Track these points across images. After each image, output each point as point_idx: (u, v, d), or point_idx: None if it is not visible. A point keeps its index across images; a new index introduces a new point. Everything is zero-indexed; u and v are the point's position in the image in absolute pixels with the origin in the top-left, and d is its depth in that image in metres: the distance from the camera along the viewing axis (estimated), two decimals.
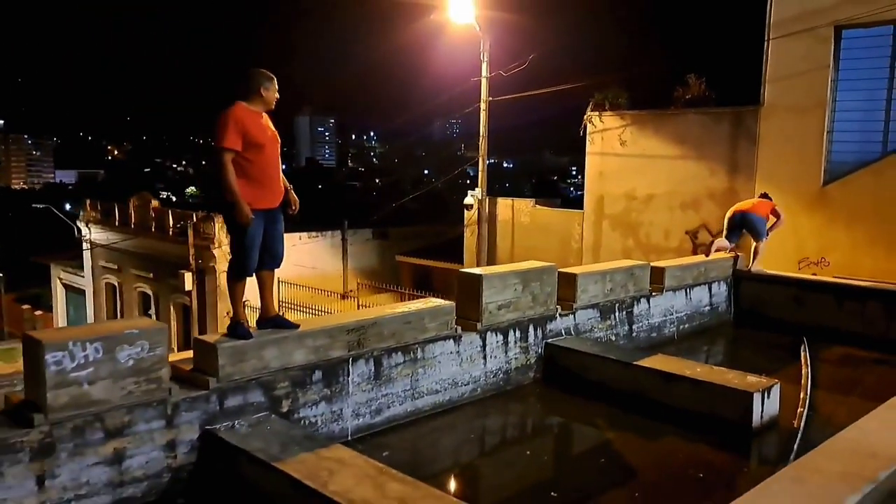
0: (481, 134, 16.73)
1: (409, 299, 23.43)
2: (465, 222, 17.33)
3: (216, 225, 22.64)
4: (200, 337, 4.99)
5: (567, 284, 7.29)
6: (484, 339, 6.44)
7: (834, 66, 11.49)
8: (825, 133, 11.57)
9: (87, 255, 28.89)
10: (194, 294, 23.79)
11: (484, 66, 16.44)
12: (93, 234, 28.41)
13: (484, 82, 16.38)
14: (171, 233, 24.53)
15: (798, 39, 11.60)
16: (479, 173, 17.00)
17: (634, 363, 6.39)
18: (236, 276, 5.16)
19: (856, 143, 11.50)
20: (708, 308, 9.20)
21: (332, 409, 5.39)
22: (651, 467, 5.27)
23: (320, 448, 4.46)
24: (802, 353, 7.83)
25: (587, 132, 14.56)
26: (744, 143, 12.43)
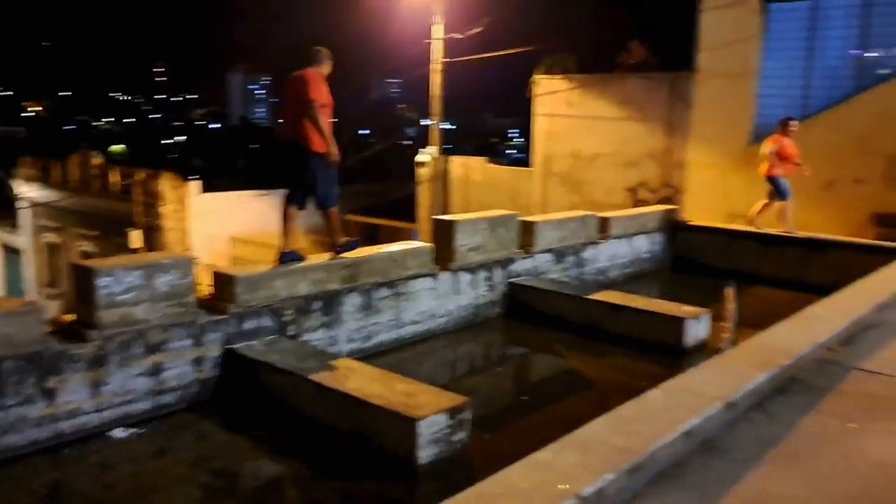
0: (435, 95, 17.36)
1: None
2: (418, 179, 18.03)
3: (162, 183, 22.73)
4: (219, 269, 5.67)
5: (527, 231, 8.17)
6: (457, 278, 7.29)
7: (761, 36, 12.59)
8: (752, 97, 12.71)
9: (24, 213, 28.34)
10: (142, 252, 23.86)
11: (439, 27, 16.98)
12: (30, 192, 27.86)
13: (439, 44, 16.95)
14: (115, 191, 24.42)
15: (729, 10, 12.64)
16: (432, 132, 17.67)
17: (587, 297, 7.36)
18: (334, 204, 6.35)
19: (779, 108, 12.64)
20: (648, 255, 10.27)
21: (329, 335, 6.16)
22: (602, 380, 6.26)
23: (330, 360, 5.25)
24: (729, 293, 8.97)
25: (535, 95, 15.39)
26: (680, 105, 13.49)
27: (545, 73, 15.22)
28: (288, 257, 6.03)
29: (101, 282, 4.70)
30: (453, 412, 4.42)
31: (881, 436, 3.68)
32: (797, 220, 11.71)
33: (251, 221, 27.30)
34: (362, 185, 31.46)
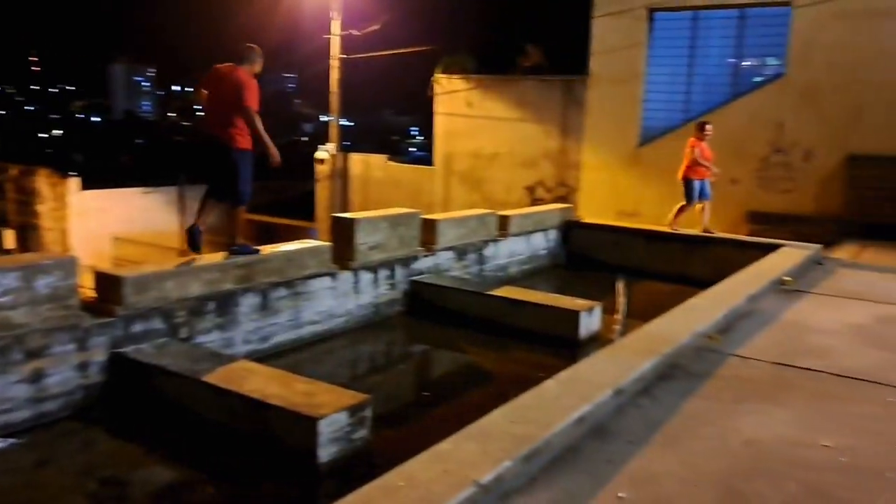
0: (333, 91, 17.20)
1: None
2: (317, 176, 17.82)
3: (38, 180, 21.40)
4: (104, 270, 5.40)
5: (429, 229, 8.25)
6: (357, 276, 7.26)
7: (647, 43, 13.26)
8: (640, 101, 13.37)
9: None
10: (17, 253, 22.36)
11: (337, 23, 16.85)
12: None
13: (337, 40, 16.81)
14: None
15: (618, 18, 13.25)
16: (331, 129, 17.50)
17: (486, 293, 7.52)
18: (245, 203, 6.43)
19: (664, 112, 13.41)
20: (545, 251, 10.60)
21: (224, 337, 6.00)
22: (503, 372, 6.42)
23: (227, 362, 5.12)
24: (619, 287, 9.41)
25: (436, 94, 15.55)
26: (574, 108, 14.01)
27: (444, 72, 15.40)
28: (238, 249, 6.23)
29: None
30: (354, 410, 4.42)
31: (752, 415, 3.99)
32: (682, 218, 12.44)
33: (136, 219, 26.10)
34: (258, 182, 30.68)
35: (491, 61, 15.34)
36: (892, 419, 4.03)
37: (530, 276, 10.11)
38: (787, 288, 7.30)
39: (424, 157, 27.95)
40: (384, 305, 7.62)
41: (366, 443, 4.51)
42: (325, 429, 4.23)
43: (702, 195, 10.37)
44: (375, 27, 16.12)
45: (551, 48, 14.82)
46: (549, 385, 3.87)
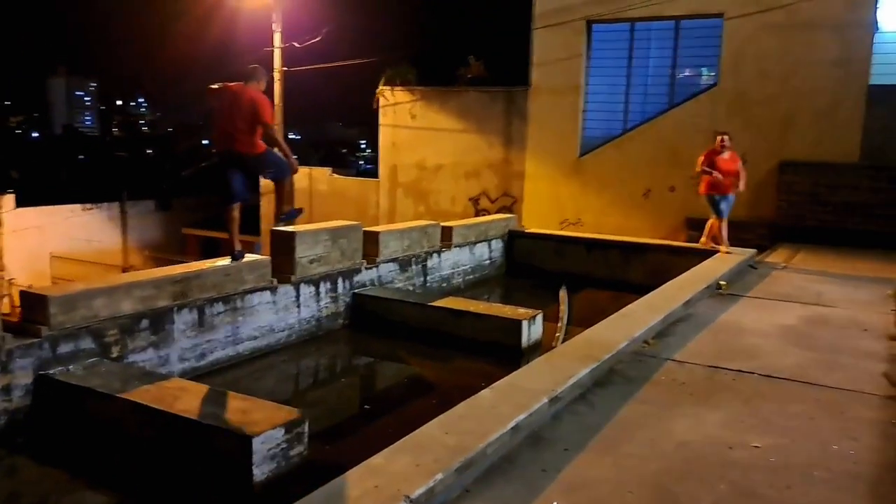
0: (276, 104, 16.99)
1: None
2: (261, 191, 17.54)
3: None
4: (29, 289, 5.19)
5: (371, 241, 8.19)
6: (298, 290, 7.15)
7: (586, 55, 13.51)
8: (580, 112, 13.59)
9: None
10: None
11: (277, 35, 16.69)
12: None
13: (277, 52, 16.64)
14: None
15: (557, 30, 13.46)
16: None
17: (429, 304, 7.50)
18: (285, 175, 7.06)
19: (603, 122, 13.66)
20: (488, 261, 10.65)
21: (159, 355, 5.83)
22: (445, 383, 6.39)
23: (160, 381, 4.98)
24: (561, 294, 9.49)
25: (380, 105, 15.52)
26: (517, 119, 14.14)
27: (386, 84, 15.39)
28: (239, 255, 6.72)
29: None
30: (290, 426, 4.33)
31: (686, 418, 4.05)
32: (621, 226, 12.69)
33: (76, 237, 25.30)
34: (199, 198, 30.16)
35: (433, 73, 15.40)
36: (819, 418, 4.15)
37: (475, 286, 10.14)
38: (722, 292, 7.48)
39: (373, 169, 27.88)
40: (326, 319, 7.52)
41: (303, 459, 4.42)
42: (260, 446, 4.13)
43: (723, 211, 9.64)
44: (317, 39, 16.02)
45: (493, 60, 14.97)
46: (485, 394, 3.87)
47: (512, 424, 3.48)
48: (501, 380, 4.12)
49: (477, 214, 14.37)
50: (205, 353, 6.21)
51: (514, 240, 11.17)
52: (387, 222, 15.65)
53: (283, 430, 4.28)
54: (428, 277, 9.22)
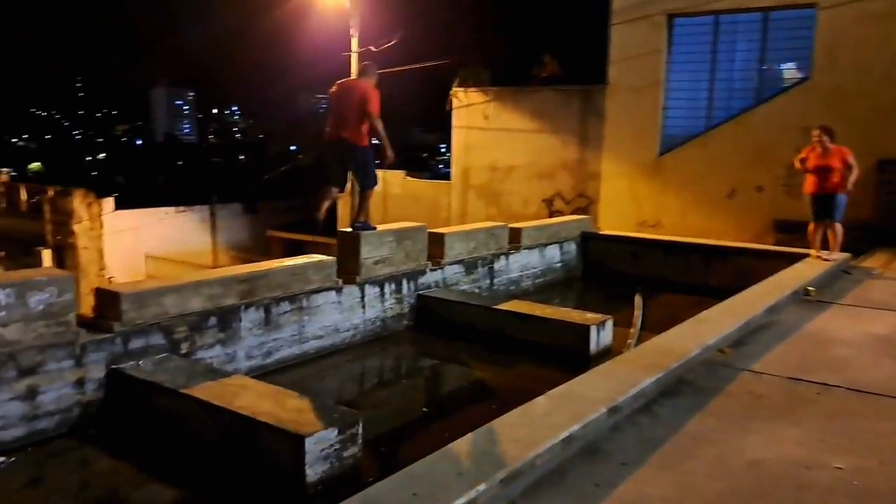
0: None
1: None
2: (345, 190, 17.83)
3: (75, 200, 21.78)
4: (103, 286, 5.37)
5: (436, 243, 8.12)
6: (363, 291, 7.16)
7: (667, 50, 13.02)
8: (660, 109, 13.12)
9: None
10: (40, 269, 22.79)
11: (354, 40, 16.92)
12: None
13: (354, 56, 16.86)
14: (23, 209, 23.29)
15: (637, 25, 13.04)
16: None
17: (494, 307, 7.35)
18: (372, 186, 7.53)
19: (685, 119, 13.13)
20: (560, 264, 10.39)
21: (226, 352, 5.94)
22: (508, 388, 6.24)
23: (223, 378, 5.04)
24: (636, 298, 9.15)
25: (453, 107, 15.47)
26: (593, 118, 13.79)
27: (459, 85, 15.32)
28: (318, 220, 7.43)
29: None
30: (343, 427, 4.28)
31: (759, 434, 3.76)
32: (704, 228, 12.15)
33: (171, 238, 26.48)
34: (285, 201, 31.01)
35: (507, 73, 15.22)
36: None
37: (544, 289, 9.90)
38: (810, 298, 7.01)
39: (450, 173, 27.86)
40: (391, 320, 7.50)
41: (356, 461, 4.37)
42: (313, 447, 4.10)
43: (817, 212, 8.79)
44: (392, 42, 16.11)
45: (568, 58, 14.65)
46: (540, 401, 3.71)
47: (565, 435, 3.30)
48: (558, 387, 3.94)
49: (551, 216, 14.08)
50: (271, 352, 6.28)
51: (588, 242, 10.87)
52: (457, 224, 15.59)
53: (336, 431, 4.24)
54: (495, 280, 9.07)
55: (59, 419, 4.85)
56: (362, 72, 7.38)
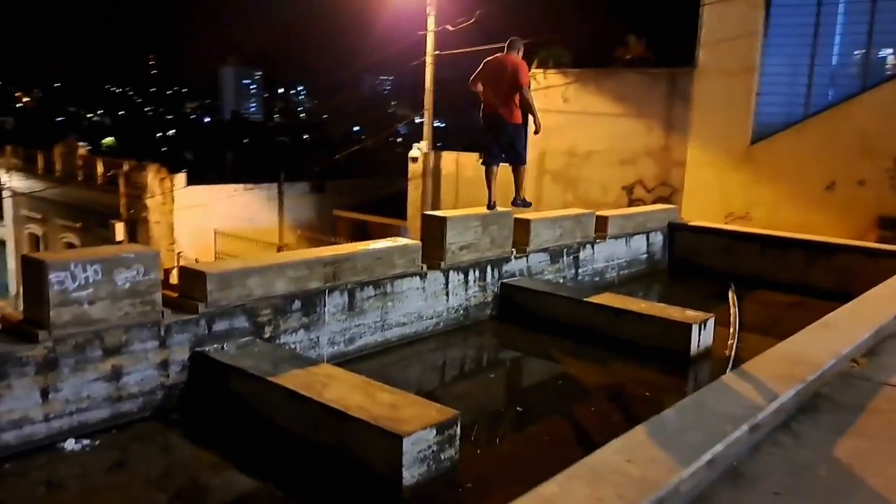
0: (427, 88, 16.91)
1: None
2: (409, 175, 17.59)
3: (148, 174, 22.17)
4: (188, 265, 5.19)
5: (522, 229, 7.74)
6: (447, 277, 6.84)
7: (763, 32, 12.21)
8: (753, 95, 12.34)
9: (6, 203, 27.68)
10: (126, 244, 23.34)
11: (431, 19, 16.55)
12: (14, 181, 27.21)
13: (431, 35, 16.51)
14: (99, 182, 23.87)
15: (731, 5, 12.25)
16: (425, 126, 17.23)
17: (585, 300, 6.93)
18: (524, 162, 7.73)
19: (781, 106, 12.31)
20: (646, 255, 9.87)
21: (309, 337, 5.71)
22: (602, 388, 5.83)
23: (309, 366, 4.80)
24: (730, 296, 8.57)
25: (531, 89, 14.93)
26: (679, 102, 13.09)
27: (539, 66, 14.78)
28: (493, 206, 7.52)
29: (55, 277, 4.22)
30: (442, 427, 3.98)
31: None
32: (799, 223, 11.39)
33: (238, 216, 26.80)
34: (352, 181, 31.05)
35: (589, 54, 14.61)
36: None
37: (630, 281, 9.42)
38: None
39: None
40: (474, 309, 7.17)
41: (453, 464, 4.06)
42: (411, 448, 3.81)
43: None
44: (470, 21, 15.67)
45: (654, 39, 13.94)
46: (670, 416, 3.30)
47: (708, 457, 2.90)
48: (686, 399, 3.53)
49: (630, 204, 13.49)
50: (354, 338, 6.04)
51: (675, 233, 10.30)
52: (532, 210, 15.12)
53: (434, 431, 3.94)
54: (579, 270, 8.64)
55: (143, 402, 4.70)
56: (511, 46, 7.41)
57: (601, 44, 14.30)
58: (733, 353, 6.47)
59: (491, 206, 7.51)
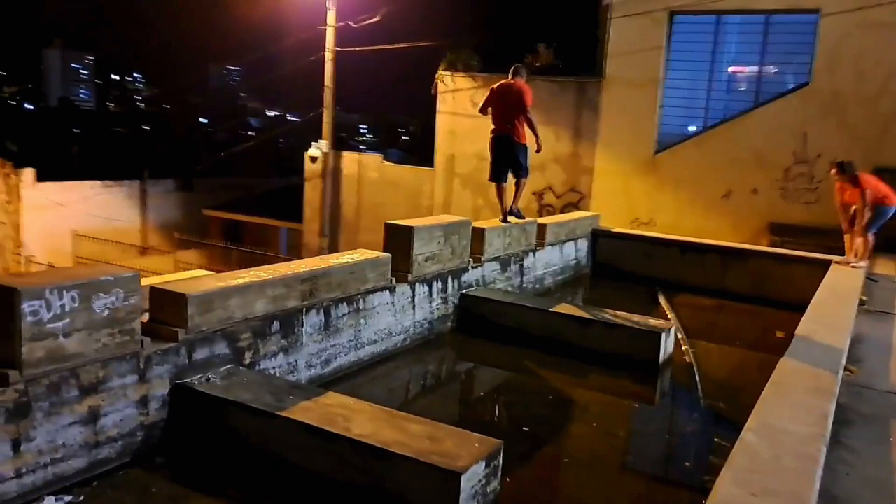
0: (327, 85, 16.35)
1: (222, 254, 22.29)
2: (307, 176, 16.92)
3: None
4: (162, 286, 4.57)
5: (477, 239, 7.58)
6: (413, 290, 6.55)
7: (666, 47, 12.85)
8: (657, 106, 12.96)
9: None
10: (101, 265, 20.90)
11: (330, 14, 16.01)
12: None
13: (330, 31, 15.96)
14: None
15: (636, 20, 12.80)
16: (324, 125, 16.64)
17: (550, 310, 6.90)
18: (526, 176, 8.31)
19: (682, 118, 13.04)
20: (574, 262, 10.05)
21: (288, 361, 5.24)
22: (592, 401, 5.81)
23: (314, 396, 4.37)
24: (661, 301, 8.89)
25: (438, 92, 14.85)
26: (587, 111, 13.49)
27: (447, 69, 14.71)
28: (506, 215, 8.18)
29: (28, 307, 3.54)
30: (489, 459, 3.75)
31: None
32: (699, 227, 12.09)
33: (96, 215, 24.63)
34: (221, 178, 29.46)
35: (498, 60, 14.68)
36: None
37: (563, 287, 9.54)
38: (867, 308, 6.90)
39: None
40: (437, 322, 6.93)
41: (497, 496, 3.84)
42: (466, 484, 3.55)
43: None
44: (375, 19, 15.32)
45: (563, 48, 14.28)
46: (751, 440, 3.27)
47: (817, 485, 2.89)
48: (751, 420, 3.51)
49: (541, 210, 13.76)
50: (330, 359, 5.62)
51: (599, 239, 10.57)
52: (442, 214, 15.03)
53: (483, 464, 3.69)
54: (524, 278, 8.63)
55: (122, 445, 4.07)
56: (516, 72, 8.09)
57: (511, 50, 14.42)
58: (693, 359, 6.68)
59: (504, 219, 8.16)
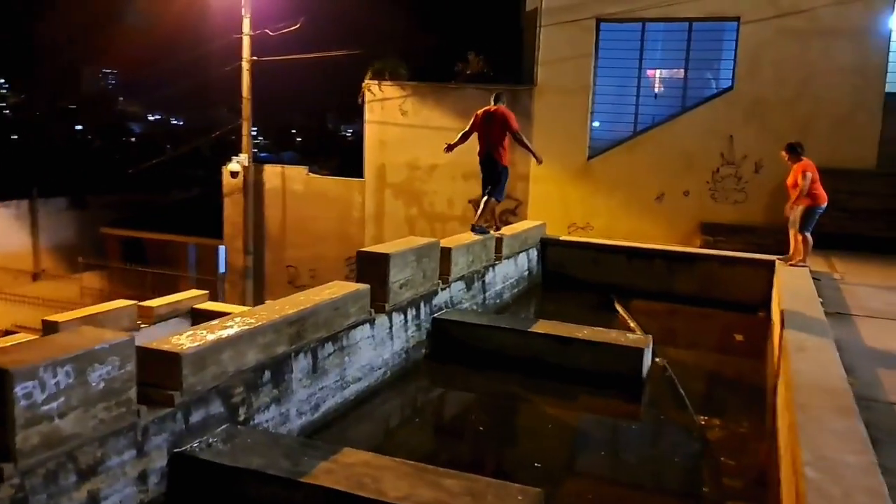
0: (244, 96, 15.65)
1: (125, 276, 20.99)
2: (226, 191, 16.15)
3: None
4: (148, 345, 4.11)
5: (444, 259, 7.38)
6: (391, 320, 6.29)
7: (595, 55, 13.07)
8: (588, 113, 13.16)
9: None
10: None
11: (246, 21, 15.34)
12: None
13: (247, 39, 15.30)
14: None
15: (566, 28, 12.95)
16: (244, 137, 15.92)
17: (529, 330, 6.80)
18: (500, 199, 8.94)
19: (613, 124, 13.29)
20: (527, 272, 10.02)
21: (280, 412, 4.88)
22: (593, 427, 5.73)
23: (331, 454, 4.06)
24: (619, 308, 8.99)
25: (366, 101, 14.51)
26: (521, 119, 13.37)
27: (373, 78, 14.40)
28: (479, 230, 8.50)
29: (21, 389, 3.07)
30: None
31: None
32: (633, 230, 12.37)
33: None
34: (118, 194, 27.81)
35: (428, 69, 14.54)
36: None
37: (519, 300, 9.50)
38: (827, 311, 7.17)
39: (267, 158, 26.22)
40: (413, 350, 6.69)
41: None
42: None
43: None
44: (294, 27, 14.78)
45: (493, 56, 14.26)
46: (815, 477, 3.24)
47: None
48: (805, 452, 3.49)
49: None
50: (318, 404, 5.28)
51: (547, 248, 10.60)
52: (374, 226, 14.74)
53: None
54: (486, 294, 8.51)
55: None
56: (498, 98, 8.70)
57: (440, 59, 14.27)
58: (671, 372, 6.74)
59: (476, 229, 8.57)
